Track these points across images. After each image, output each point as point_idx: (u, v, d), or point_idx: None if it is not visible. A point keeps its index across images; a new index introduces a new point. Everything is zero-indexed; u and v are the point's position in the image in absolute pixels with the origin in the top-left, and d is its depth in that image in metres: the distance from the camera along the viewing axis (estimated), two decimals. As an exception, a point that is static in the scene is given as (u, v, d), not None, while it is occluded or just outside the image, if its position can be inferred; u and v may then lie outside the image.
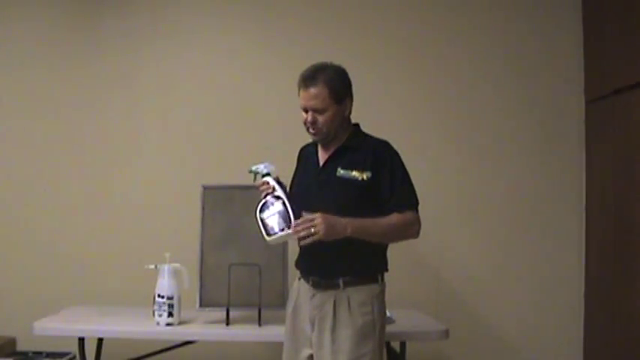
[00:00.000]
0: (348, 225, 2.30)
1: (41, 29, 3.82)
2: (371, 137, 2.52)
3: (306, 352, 2.46)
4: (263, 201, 2.36)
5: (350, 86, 2.47)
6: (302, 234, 2.28)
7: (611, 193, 3.36)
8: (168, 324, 2.97)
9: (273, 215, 2.32)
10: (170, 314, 2.97)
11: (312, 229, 2.25)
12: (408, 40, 3.76)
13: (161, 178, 3.74)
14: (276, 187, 2.36)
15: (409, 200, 2.43)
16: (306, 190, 2.49)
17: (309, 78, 2.40)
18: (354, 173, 2.40)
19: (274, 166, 2.44)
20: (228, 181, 3.29)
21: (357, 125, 2.55)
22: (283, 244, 2.99)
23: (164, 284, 2.99)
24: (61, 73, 3.80)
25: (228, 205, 3.21)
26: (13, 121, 3.80)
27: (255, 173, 2.43)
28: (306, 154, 2.61)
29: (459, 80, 3.75)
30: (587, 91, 3.66)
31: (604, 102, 3.45)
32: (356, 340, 2.36)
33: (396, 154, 2.48)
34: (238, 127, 3.74)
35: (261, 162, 2.44)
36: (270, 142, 3.66)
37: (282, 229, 2.30)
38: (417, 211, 2.44)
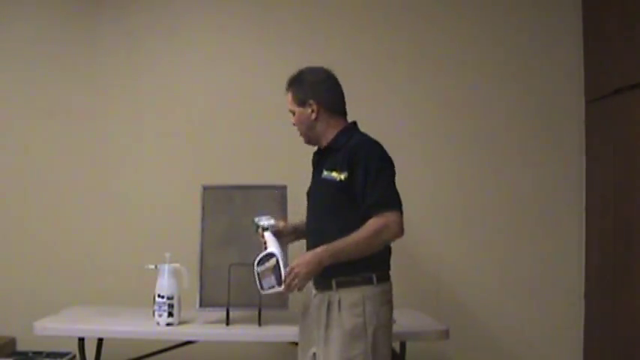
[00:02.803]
0: (323, 259, 2.32)
1: (40, 29, 3.81)
2: (355, 137, 2.48)
3: (313, 349, 2.48)
4: (261, 255, 2.46)
5: (313, 88, 2.50)
6: (293, 290, 2.37)
7: (611, 193, 3.36)
8: (168, 324, 2.97)
9: (267, 270, 2.41)
10: (170, 314, 2.97)
11: (295, 281, 2.33)
12: (407, 40, 3.75)
13: (161, 178, 3.74)
14: (272, 243, 2.47)
15: (381, 200, 2.34)
16: (308, 192, 2.58)
17: (287, 83, 2.57)
18: (334, 174, 2.41)
19: (274, 221, 2.57)
20: (228, 181, 3.30)
21: (349, 125, 2.54)
22: (282, 245, 3.02)
23: (164, 284, 2.99)
24: (61, 73, 3.80)
25: (228, 205, 3.22)
26: (13, 120, 3.80)
27: (257, 226, 2.56)
28: (314, 160, 2.63)
29: (459, 81, 3.74)
30: (587, 91, 3.66)
31: (604, 102, 3.45)
32: (345, 342, 2.36)
33: (373, 152, 2.41)
34: (238, 127, 3.74)
35: (264, 214, 2.59)
36: (270, 142, 3.67)
37: (273, 287, 2.41)
38: (393, 210, 2.35)
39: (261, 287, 2.44)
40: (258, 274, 2.43)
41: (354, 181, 2.36)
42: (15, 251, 3.73)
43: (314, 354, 2.47)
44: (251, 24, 3.81)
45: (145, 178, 3.75)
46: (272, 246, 2.46)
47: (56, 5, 3.83)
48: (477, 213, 3.71)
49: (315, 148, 2.61)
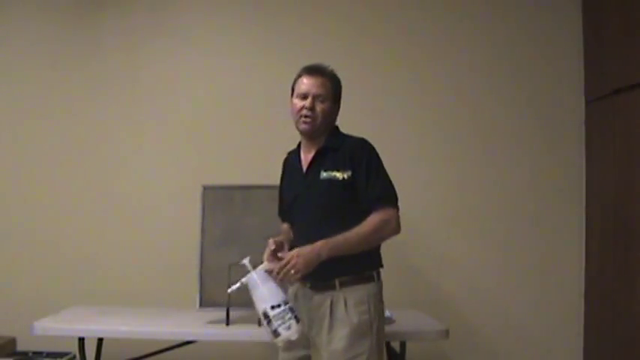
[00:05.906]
0: (322, 251, 2.31)
1: (41, 28, 3.82)
2: (349, 137, 2.54)
3: (300, 352, 2.50)
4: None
5: (340, 91, 2.56)
6: (289, 281, 2.34)
7: (611, 193, 3.36)
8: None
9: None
10: (297, 318, 2.32)
11: (292, 271, 2.29)
12: (407, 40, 3.76)
13: (161, 178, 3.74)
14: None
15: (383, 194, 2.41)
16: (295, 196, 2.54)
17: (316, 68, 2.51)
18: (336, 174, 2.43)
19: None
20: (228, 181, 3.30)
21: (336, 127, 2.59)
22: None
23: (264, 293, 2.34)
24: (61, 72, 3.80)
25: (228, 205, 3.22)
26: (13, 120, 3.80)
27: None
28: (290, 163, 2.65)
29: (459, 81, 3.74)
30: (587, 91, 3.66)
31: (604, 102, 3.45)
32: (352, 339, 2.37)
33: (372, 149, 2.49)
34: (238, 127, 3.74)
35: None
36: (270, 142, 3.66)
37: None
38: (393, 205, 2.42)
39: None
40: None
41: (358, 178, 2.41)
42: (15, 251, 3.74)
43: (302, 357, 2.49)
44: (252, 24, 3.81)
45: (145, 178, 3.75)
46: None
47: (57, 5, 3.83)
48: (477, 213, 3.71)
49: (280, 153, 2.68)
